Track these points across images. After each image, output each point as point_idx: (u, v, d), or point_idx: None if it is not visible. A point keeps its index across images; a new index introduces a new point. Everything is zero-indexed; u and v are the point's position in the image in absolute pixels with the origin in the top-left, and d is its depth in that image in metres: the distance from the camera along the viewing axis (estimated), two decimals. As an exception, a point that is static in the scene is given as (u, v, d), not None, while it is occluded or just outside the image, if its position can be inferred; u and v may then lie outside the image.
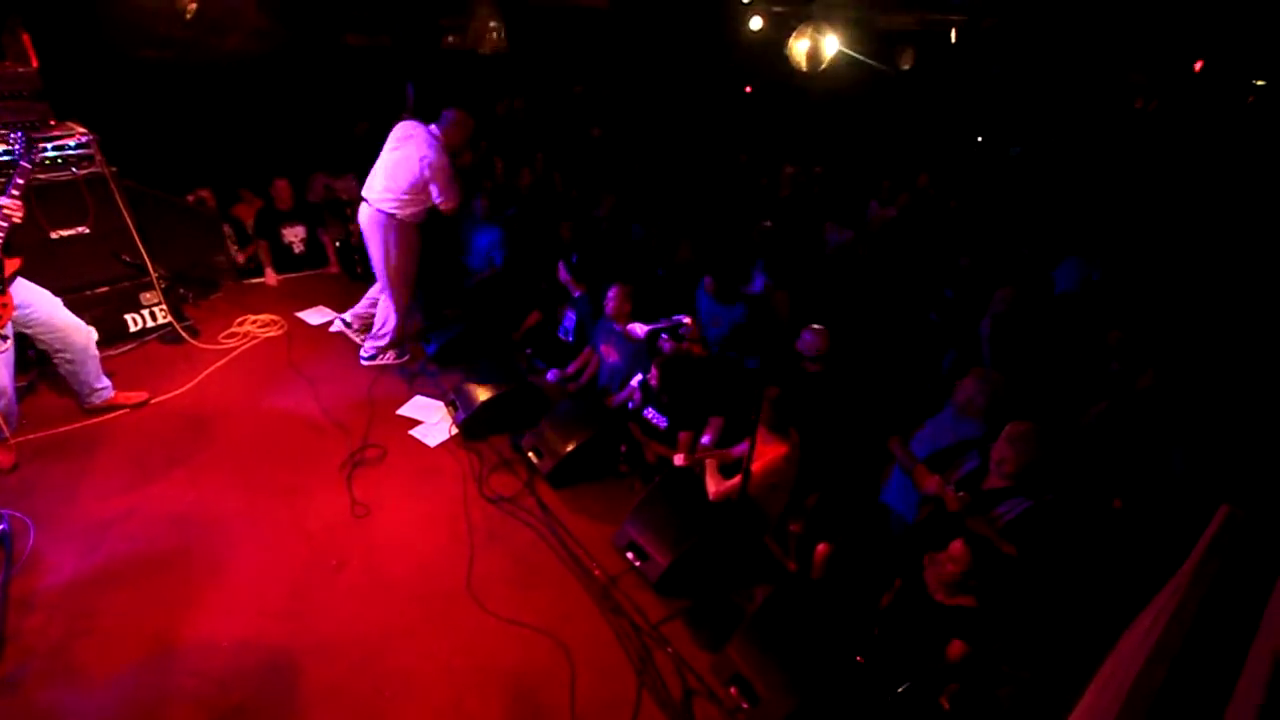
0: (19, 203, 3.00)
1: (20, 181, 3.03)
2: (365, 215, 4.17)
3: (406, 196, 4.01)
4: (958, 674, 2.33)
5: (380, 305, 4.50)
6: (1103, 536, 2.66)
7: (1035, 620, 2.42)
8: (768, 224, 5.74)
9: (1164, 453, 3.00)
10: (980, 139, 10.07)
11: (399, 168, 3.99)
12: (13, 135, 3.40)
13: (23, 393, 3.73)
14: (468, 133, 4.10)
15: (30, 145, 3.19)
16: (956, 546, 2.36)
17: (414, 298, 4.50)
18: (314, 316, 5.07)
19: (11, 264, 3.07)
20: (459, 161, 4.20)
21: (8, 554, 2.76)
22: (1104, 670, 1.47)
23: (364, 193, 4.16)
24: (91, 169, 3.99)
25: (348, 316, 4.85)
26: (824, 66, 5.52)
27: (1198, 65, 7.81)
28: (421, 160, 3.90)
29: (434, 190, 3.98)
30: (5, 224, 2.96)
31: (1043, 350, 3.96)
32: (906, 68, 8.52)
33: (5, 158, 3.55)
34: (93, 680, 2.33)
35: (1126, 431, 3.11)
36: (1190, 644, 0.90)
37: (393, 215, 4.05)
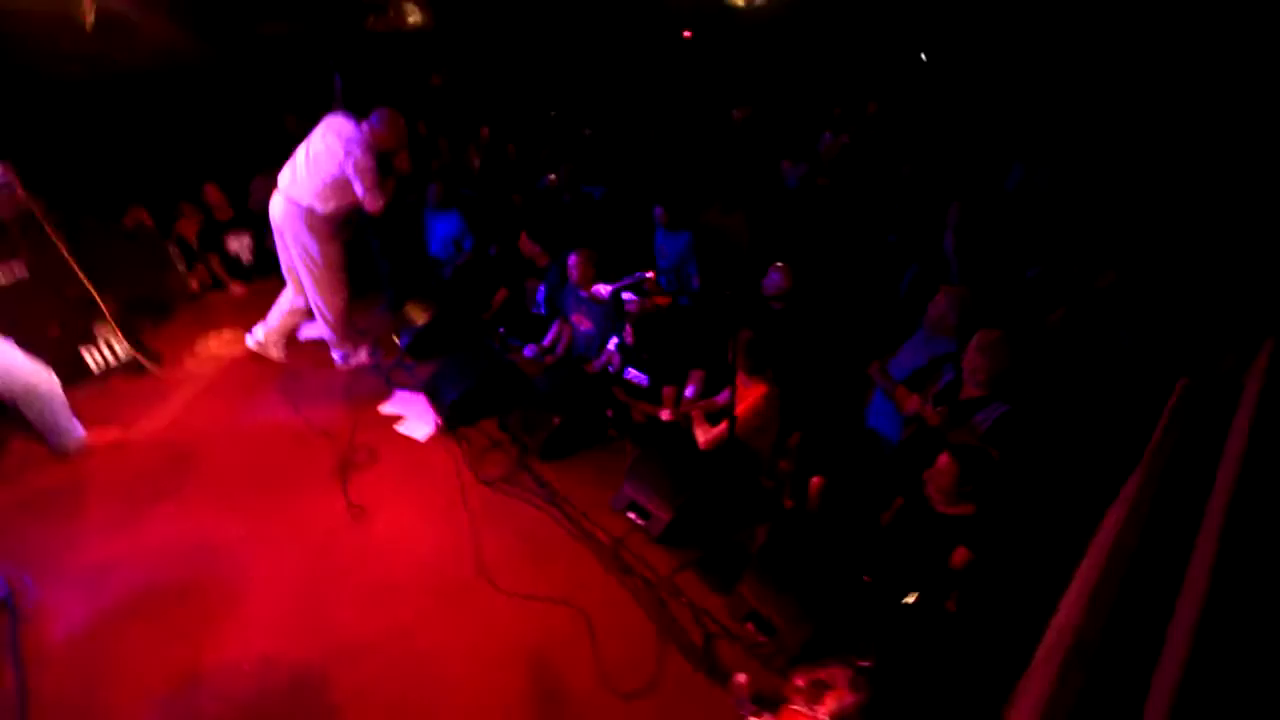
0: None
1: None
2: (279, 208, 3.87)
3: (327, 190, 3.79)
4: (962, 579, 2.44)
5: (307, 312, 4.22)
6: (1077, 427, 2.77)
7: (1028, 515, 2.53)
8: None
9: (1113, 334, 3.11)
10: (924, 57, 9.97)
11: (320, 160, 3.76)
12: None
13: (-9, 448, 3.62)
14: (400, 133, 3.85)
15: None
16: (943, 459, 2.45)
17: (348, 290, 4.22)
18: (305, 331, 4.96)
19: None
20: (397, 166, 3.96)
21: (12, 614, 2.72)
22: (1091, 550, 1.56)
23: (279, 182, 3.87)
24: (15, 204, 3.79)
25: (260, 334, 4.35)
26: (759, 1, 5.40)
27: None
28: (347, 155, 3.69)
29: (358, 188, 3.76)
30: None
31: (1006, 257, 4.04)
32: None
33: None
34: (122, 718, 2.35)
35: (1088, 326, 3.22)
36: (1157, 504, 0.96)
37: (312, 209, 3.82)
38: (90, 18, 4.65)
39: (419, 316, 4.59)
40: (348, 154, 3.69)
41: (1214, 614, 0.85)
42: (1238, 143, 5.41)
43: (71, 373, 4.13)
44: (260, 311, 4.41)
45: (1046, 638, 1.55)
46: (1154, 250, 3.74)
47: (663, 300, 3.90)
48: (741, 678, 2.20)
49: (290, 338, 4.37)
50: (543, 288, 4.65)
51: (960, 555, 2.43)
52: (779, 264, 3.68)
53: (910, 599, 2.45)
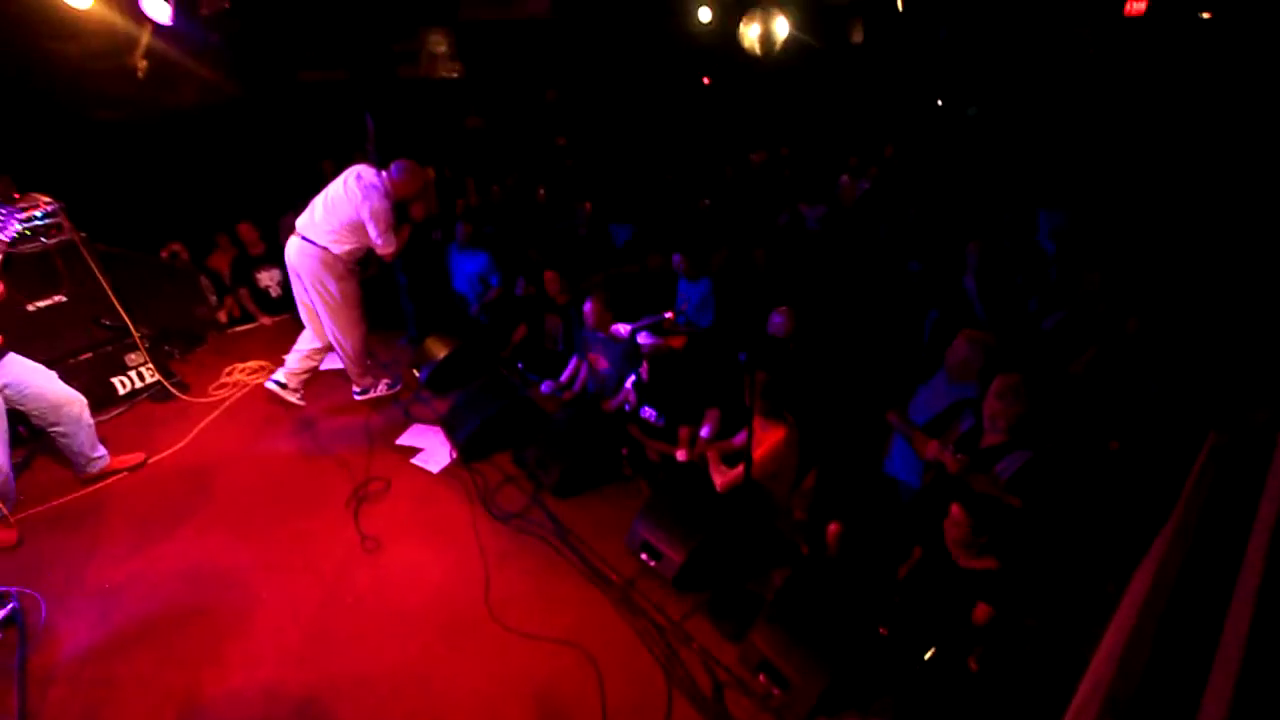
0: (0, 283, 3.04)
1: None
2: (294, 250, 3.93)
3: (344, 232, 3.88)
4: (984, 636, 2.35)
5: (326, 350, 4.28)
6: (1103, 478, 2.70)
7: (1053, 570, 2.45)
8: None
9: (1142, 384, 3.05)
10: (940, 103, 10.15)
11: (338, 204, 3.87)
12: None
13: (19, 469, 3.70)
14: (419, 184, 3.97)
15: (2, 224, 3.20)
16: (954, 510, 2.38)
17: (366, 325, 4.28)
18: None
19: None
20: (412, 213, 4.10)
21: (21, 632, 2.73)
22: (1122, 608, 1.50)
23: (297, 225, 3.95)
24: (61, 237, 3.97)
25: (281, 377, 4.28)
26: (778, 49, 5.56)
27: (1134, 7, 7.90)
28: (365, 200, 3.81)
29: (373, 232, 3.87)
30: None
31: (1027, 300, 4.00)
32: (858, 41, 8.58)
33: None
34: (123, 747, 2.32)
35: (1115, 374, 3.16)
36: (1189, 563, 0.92)
37: (328, 250, 3.90)
38: (143, 65, 4.94)
39: (439, 351, 4.64)
40: (365, 199, 3.81)
41: (1251, 678, 0.81)
42: (1274, 191, 5.39)
43: (100, 397, 4.24)
44: (284, 345, 4.50)
45: (1076, 700, 1.48)
46: (1185, 298, 3.70)
47: (678, 342, 3.91)
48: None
49: (308, 380, 4.41)
50: (559, 324, 4.70)
51: (982, 611, 2.34)
52: (781, 307, 3.69)
53: (928, 655, 2.36)
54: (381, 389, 4.53)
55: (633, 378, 3.89)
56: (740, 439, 3.38)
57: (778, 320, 3.69)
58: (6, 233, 3.17)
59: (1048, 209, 5.28)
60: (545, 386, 4.49)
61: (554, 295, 4.69)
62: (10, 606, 2.79)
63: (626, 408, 3.93)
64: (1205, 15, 8.74)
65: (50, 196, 3.98)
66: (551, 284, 4.65)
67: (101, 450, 3.68)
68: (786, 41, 5.81)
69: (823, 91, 10.16)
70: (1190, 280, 4.12)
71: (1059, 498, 2.50)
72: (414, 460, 3.86)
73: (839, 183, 6.92)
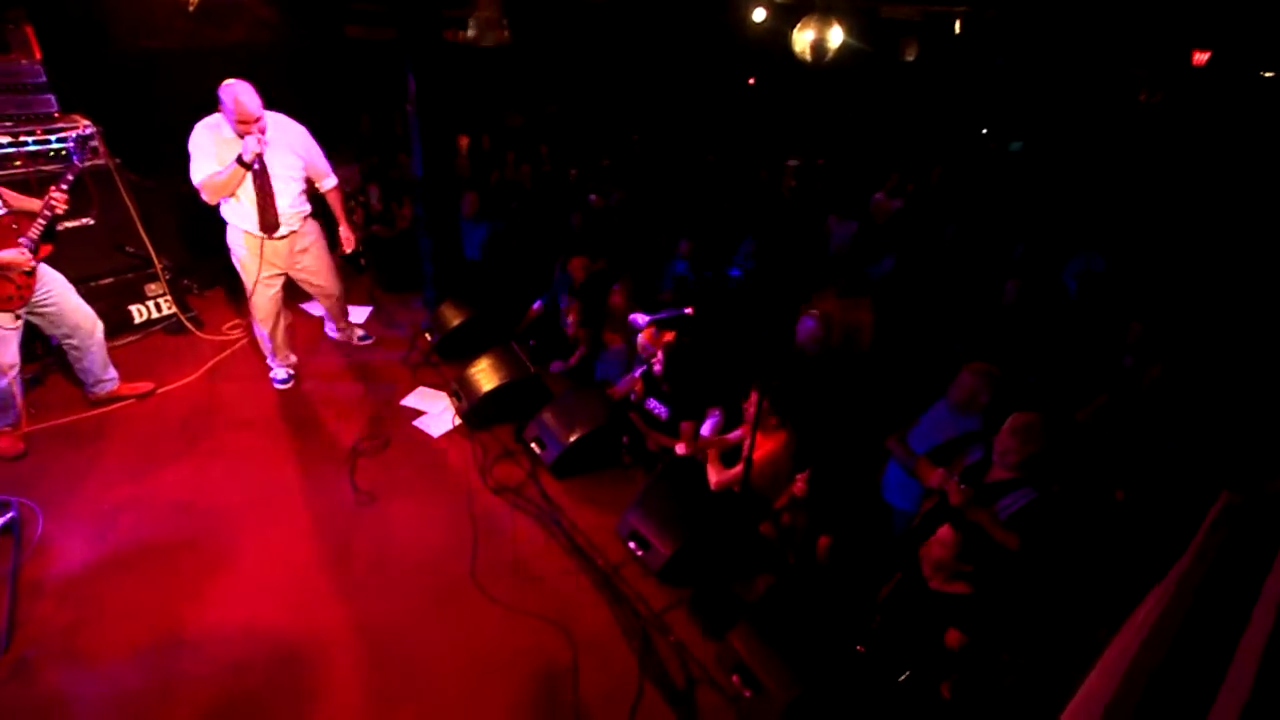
0: (65, 195, 3.20)
1: (70, 178, 3.23)
2: (306, 233, 3.86)
3: (303, 193, 3.76)
4: (958, 663, 2.34)
5: (330, 310, 4.49)
6: (1106, 528, 2.67)
7: (1036, 609, 2.43)
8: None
9: (1161, 443, 3.00)
10: (985, 131, 10.03)
11: (287, 173, 3.61)
12: (70, 135, 3.69)
13: (31, 384, 3.76)
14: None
15: (83, 145, 3.37)
16: (944, 531, 2.37)
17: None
18: (316, 308, 5.08)
19: (45, 249, 3.24)
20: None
21: (17, 541, 2.79)
22: (1106, 656, 1.49)
23: (263, 226, 3.61)
24: (96, 161, 4.00)
25: (333, 332, 4.70)
26: (829, 58, 5.49)
27: (1198, 58, 7.75)
28: (307, 150, 3.72)
29: (323, 166, 3.81)
30: (50, 214, 3.16)
31: (1057, 343, 3.94)
32: (911, 59, 8.47)
33: (36, 148, 3.88)
34: (101, 666, 2.37)
35: (1129, 425, 3.11)
36: (1188, 625, 0.91)
37: (305, 215, 3.82)
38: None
39: (453, 319, 4.65)
40: (307, 148, 3.71)
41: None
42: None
43: (117, 323, 4.29)
44: (300, 293, 4.52)
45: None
46: (1213, 356, 3.63)
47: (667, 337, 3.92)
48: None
49: (347, 320, 4.65)
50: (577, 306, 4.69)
51: (954, 637, 2.33)
52: (814, 311, 3.63)
53: (902, 678, 2.36)
54: (356, 336, 4.72)
55: (642, 368, 3.89)
56: (737, 435, 3.38)
57: (809, 325, 3.62)
58: (87, 156, 3.48)
59: (1081, 250, 5.21)
60: (555, 366, 4.50)
61: (576, 277, 4.69)
62: (9, 515, 2.84)
63: (632, 396, 3.93)
64: (1267, 74, 8.57)
65: (90, 120, 4.01)
66: (577, 268, 4.64)
67: (113, 373, 3.73)
68: (838, 51, 5.73)
69: (867, 106, 10.06)
70: (1220, 337, 4.05)
71: (1056, 541, 2.48)
72: (416, 422, 3.89)
73: (873, 199, 6.86)
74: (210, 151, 3.36)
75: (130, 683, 2.32)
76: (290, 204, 3.64)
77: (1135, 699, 0.86)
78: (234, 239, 3.69)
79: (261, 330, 3.96)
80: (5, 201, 3.14)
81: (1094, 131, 9.15)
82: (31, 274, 3.19)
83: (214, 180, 3.36)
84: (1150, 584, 1.52)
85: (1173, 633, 0.92)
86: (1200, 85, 8.50)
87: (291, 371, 4.18)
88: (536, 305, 5.04)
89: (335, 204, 4.00)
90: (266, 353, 4.10)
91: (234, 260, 3.78)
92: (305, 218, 3.82)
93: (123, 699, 2.26)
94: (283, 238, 3.71)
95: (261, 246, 3.66)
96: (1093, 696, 1.08)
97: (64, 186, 3.18)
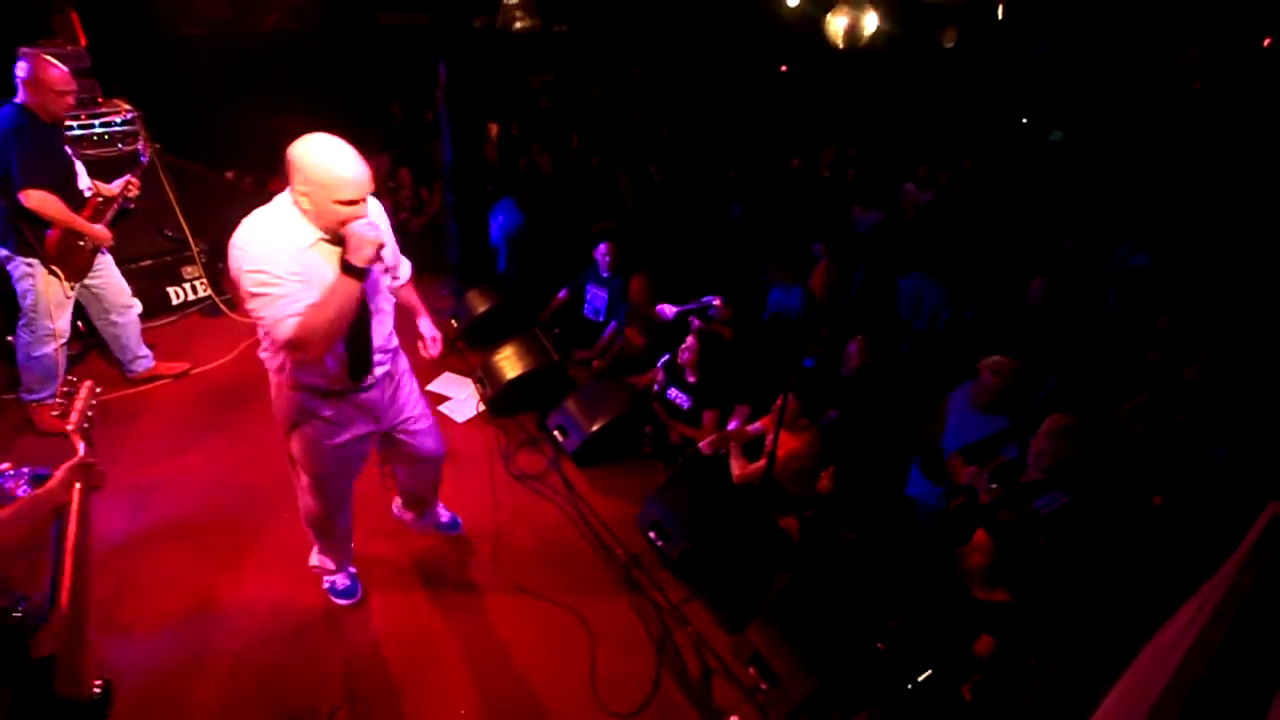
0: (138, 182, 3.42)
1: (144, 161, 3.56)
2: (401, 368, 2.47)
3: None
4: (983, 666, 2.30)
5: None
6: (1142, 534, 2.59)
7: (1067, 615, 2.37)
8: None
9: (1206, 448, 2.89)
10: (1025, 120, 9.70)
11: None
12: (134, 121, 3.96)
13: (73, 360, 3.89)
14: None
15: (145, 135, 3.71)
16: (979, 536, 2.32)
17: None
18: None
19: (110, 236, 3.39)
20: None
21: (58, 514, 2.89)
22: (1134, 667, 1.44)
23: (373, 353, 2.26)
24: (136, 145, 4.10)
25: None
26: (862, 45, 5.37)
27: (1266, 42, 7.36)
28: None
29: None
30: (123, 198, 3.38)
31: (1087, 340, 3.81)
32: (949, 46, 8.22)
33: (81, 131, 3.96)
34: (139, 635, 2.46)
35: (1168, 425, 3.01)
36: (1232, 642, 0.87)
37: None
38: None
39: (479, 305, 4.69)
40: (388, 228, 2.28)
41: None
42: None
43: (154, 304, 4.42)
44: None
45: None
46: (1257, 356, 3.47)
47: (728, 333, 3.88)
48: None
49: None
50: (600, 293, 4.67)
51: (985, 644, 2.29)
52: (859, 337, 3.50)
53: (922, 677, 2.32)
54: None
55: (665, 358, 3.87)
56: (756, 427, 3.34)
57: (854, 350, 3.50)
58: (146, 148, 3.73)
59: (1124, 245, 5.03)
60: (579, 354, 4.50)
61: (601, 262, 4.67)
62: (53, 487, 2.95)
63: (655, 386, 3.92)
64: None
65: (131, 105, 4.11)
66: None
67: (147, 351, 3.87)
68: (872, 38, 5.59)
69: (901, 94, 9.80)
70: (1268, 338, 3.87)
71: (1091, 545, 2.41)
72: (440, 408, 3.93)
73: (902, 190, 6.70)
74: (291, 271, 1.85)
75: (165, 652, 2.40)
76: (386, 327, 2.26)
77: (1176, 713, 0.83)
78: (304, 409, 2.24)
79: None
80: (95, 187, 3.35)
81: (1142, 121, 8.78)
82: (98, 252, 3.39)
83: (323, 316, 1.86)
84: (1183, 595, 1.47)
85: (1216, 647, 0.88)
86: (1260, 72, 8.08)
87: None
88: (561, 294, 5.04)
89: (415, 297, 2.59)
90: None
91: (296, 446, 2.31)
92: (397, 347, 2.37)
93: (158, 667, 2.35)
94: (371, 386, 2.24)
95: (347, 409, 2.23)
96: (1123, 708, 1.04)
97: (138, 173, 3.42)
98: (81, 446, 1.66)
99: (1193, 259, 5.17)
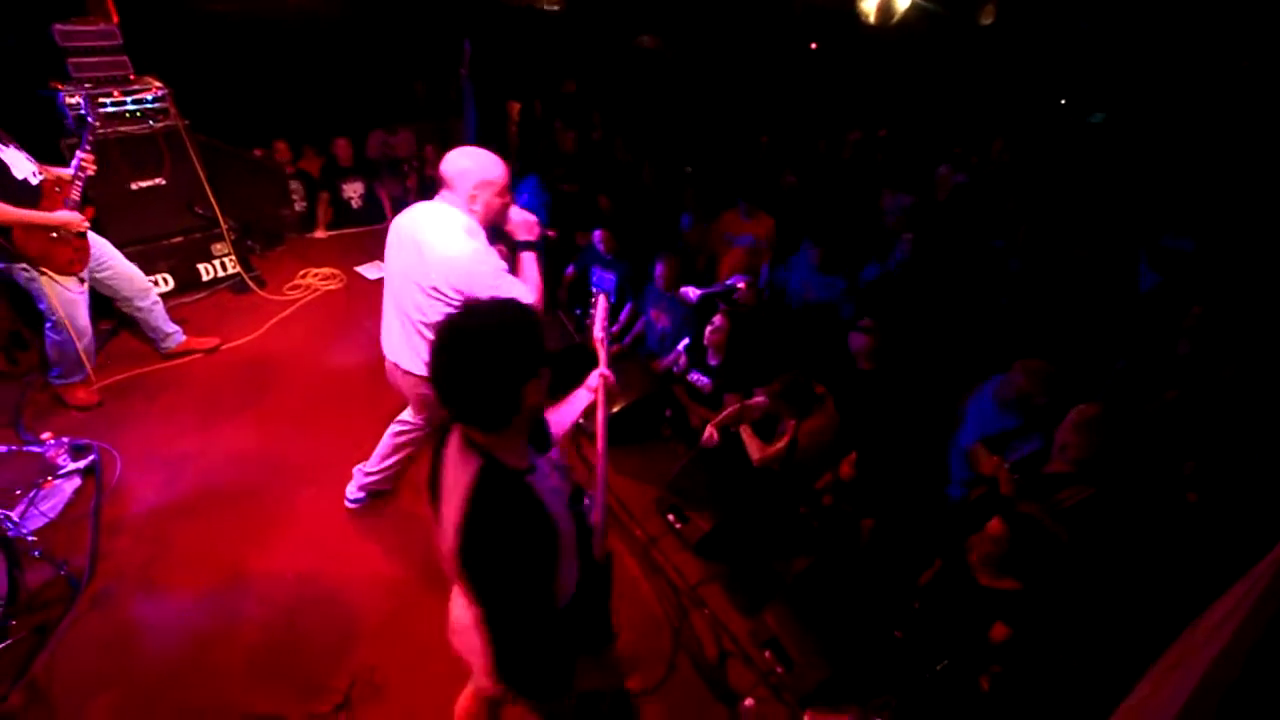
0: (92, 156, 3.20)
1: (90, 138, 3.21)
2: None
3: None
4: (1000, 656, 2.28)
5: None
6: (1171, 530, 2.52)
7: (1089, 609, 2.33)
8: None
9: (1246, 449, 2.79)
10: (1064, 102, 9.36)
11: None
12: (79, 93, 3.71)
13: (106, 336, 3.99)
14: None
15: (93, 103, 3.44)
16: (994, 524, 2.28)
17: None
18: (371, 271, 5.20)
19: (89, 211, 3.28)
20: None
21: (98, 483, 2.99)
22: (1163, 663, 1.41)
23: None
24: (167, 122, 4.15)
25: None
26: (895, 20, 5.21)
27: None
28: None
29: None
30: (84, 176, 3.19)
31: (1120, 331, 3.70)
32: (987, 23, 7.95)
33: (114, 109, 3.94)
34: (171, 602, 2.54)
35: (1202, 422, 2.91)
36: (1269, 641, 0.84)
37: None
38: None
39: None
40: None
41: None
42: None
43: (185, 280, 4.51)
44: (356, 255, 4.60)
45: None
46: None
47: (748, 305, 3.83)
48: (750, 702, 2.15)
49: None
50: (606, 276, 4.63)
51: (999, 631, 2.26)
52: (865, 321, 3.37)
53: (940, 666, 2.31)
54: None
55: (686, 340, 3.85)
56: (758, 401, 3.27)
57: (859, 339, 3.37)
58: (98, 112, 3.49)
59: (1168, 235, 4.84)
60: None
61: (598, 247, 4.65)
62: (90, 458, 3.05)
63: (676, 369, 3.90)
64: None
65: (162, 83, 4.15)
66: (606, 240, 4.57)
67: (175, 327, 3.94)
68: (906, 14, 5.42)
69: (936, 74, 9.51)
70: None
71: (1113, 539, 2.36)
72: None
73: (936, 173, 6.52)
74: (499, 264, 2.27)
75: (195, 619, 2.48)
76: None
77: (1210, 711, 0.81)
78: None
79: None
80: (41, 169, 3.16)
81: (1188, 101, 8.41)
82: (84, 236, 3.27)
83: (537, 284, 2.38)
84: (1215, 592, 1.43)
85: (1250, 645, 0.86)
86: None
87: None
88: (569, 270, 5.01)
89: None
90: None
91: None
92: None
93: (189, 633, 2.43)
94: None
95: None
96: (1151, 706, 1.02)
97: (87, 147, 3.16)
98: (602, 354, 2.14)
99: (1238, 248, 4.96)
